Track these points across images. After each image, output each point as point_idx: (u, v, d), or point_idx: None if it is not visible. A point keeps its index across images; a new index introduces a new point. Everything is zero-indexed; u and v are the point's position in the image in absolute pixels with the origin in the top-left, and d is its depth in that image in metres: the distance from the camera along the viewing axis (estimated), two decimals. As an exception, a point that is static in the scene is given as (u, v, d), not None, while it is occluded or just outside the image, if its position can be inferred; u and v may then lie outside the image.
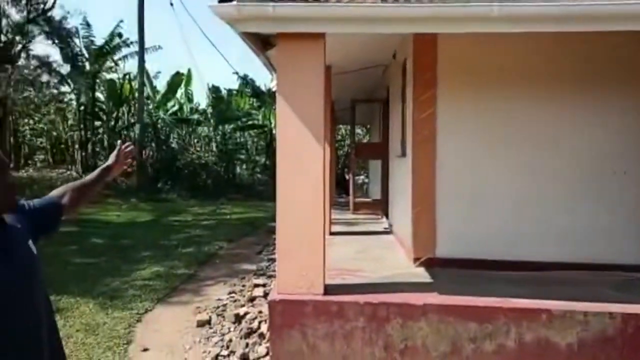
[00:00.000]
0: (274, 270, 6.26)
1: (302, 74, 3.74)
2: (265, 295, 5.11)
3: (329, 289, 3.80)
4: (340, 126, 18.61)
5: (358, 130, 20.56)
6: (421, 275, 4.43)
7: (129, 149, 2.17)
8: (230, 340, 4.21)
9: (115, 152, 2.11)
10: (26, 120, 26.64)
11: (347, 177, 14.08)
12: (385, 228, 7.01)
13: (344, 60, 6.08)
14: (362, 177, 15.70)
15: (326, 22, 3.56)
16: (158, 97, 21.87)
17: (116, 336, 4.47)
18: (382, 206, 7.89)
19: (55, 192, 1.86)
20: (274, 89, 6.32)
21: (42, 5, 18.45)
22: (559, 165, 4.67)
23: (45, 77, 21.61)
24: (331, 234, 6.38)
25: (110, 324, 4.75)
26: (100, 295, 5.59)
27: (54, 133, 26.65)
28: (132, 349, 4.25)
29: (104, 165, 2.08)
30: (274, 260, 6.94)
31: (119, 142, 2.40)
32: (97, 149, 21.31)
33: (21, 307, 1.46)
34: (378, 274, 4.46)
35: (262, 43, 4.16)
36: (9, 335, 1.41)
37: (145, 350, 4.23)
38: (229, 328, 4.52)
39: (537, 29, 3.51)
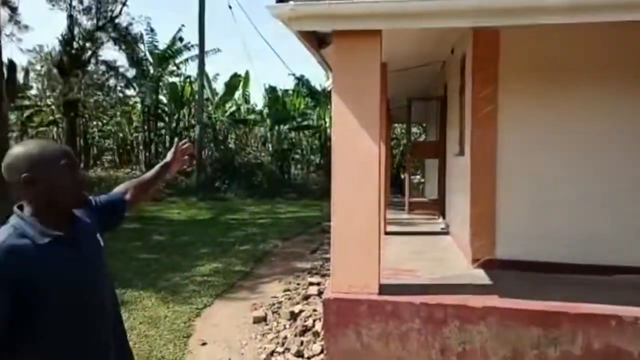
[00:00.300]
0: (328, 269, 6.27)
1: (358, 71, 3.71)
2: (320, 293, 5.12)
3: (383, 289, 3.75)
4: (396, 125, 18.39)
5: (414, 129, 20.23)
6: (480, 277, 4.28)
7: (185, 146, 2.23)
8: (285, 338, 4.25)
9: (172, 150, 2.19)
10: (95, 123, 28.16)
11: (402, 176, 13.88)
12: (442, 228, 6.85)
13: (400, 58, 5.99)
14: (417, 176, 15.44)
15: (382, 19, 3.51)
16: (216, 98, 22.49)
17: (176, 329, 4.62)
18: (438, 206, 7.71)
19: (118, 189, 1.98)
20: (329, 88, 6.32)
21: (110, 13, 19.44)
22: (630, 164, 4.38)
23: (112, 81, 22.81)
24: (386, 233, 6.30)
25: (171, 317, 4.92)
26: (162, 290, 5.80)
27: (120, 135, 28.03)
28: (191, 343, 4.38)
29: (162, 163, 2.16)
30: (328, 259, 6.95)
31: (176, 139, 2.50)
32: (160, 150, 22.19)
33: (89, 296, 1.54)
34: (434, 275, 4.35)
35: (317, 41, 4.18)
36: (78, 322, 1.49)
37: (204, 344, 4.34)
38: (284, 325, 4.57)
39: (607, 18, 3.30)
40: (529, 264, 4.36)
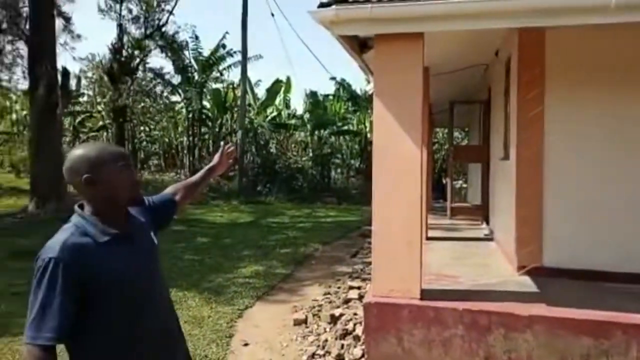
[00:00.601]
0: (369, 274, 6.25)
1: (400, 75, 3.69)
2: (360, 297, 5.10)
3: (425, 294, 3.71)
4: (437, 130, 18.14)
5: (456, 134, 19.88)
6: (526, 284, 4.16)
7: (230, 149, 2.30)
8: (326, 341, 4.26)
9: (218, 153, 2.26)
10: (142, 128, 29.11)
11: (444, 181, 13.66)
12: (485, 234, 6.70)
13: (443, 61, 5.92)
14: (460, 182, 15.16)
15: (425, 21, 3.49)
16: (258, 104, 22.85)
17: (219, 330, 4.70)
18: (482, 211, 7.54)
19: (168, 190, 2.07)
20: (370, 92, 6.31)
21: (157, 22, 20.11)
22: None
23: (159, 88, 23.56)
24: (427, 239, 6.22)
25: (214, 317, 5.02)
26: (205, 290, 5.93)
27: (166, 139, 28.85)
28: (233, 343, 4.45)
29: (208, 166, 2.26)
30: (368, 263, 6.92)
31: (222, 143, 2.60)
32: (203, 154, 22.71)
33: (145, 289, 1.64)
34: (478, 281, 4.26)
35: (359, 46, 4.19)
36: (135, 313, 1.59)
37: (246, 344, 4.41)
38: (325, 328, 4.58)
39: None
40: (577, 272, 4.20)
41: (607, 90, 4.31)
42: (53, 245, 1.50)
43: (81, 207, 1.63)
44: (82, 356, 1.56)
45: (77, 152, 1.62)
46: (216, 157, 2.26)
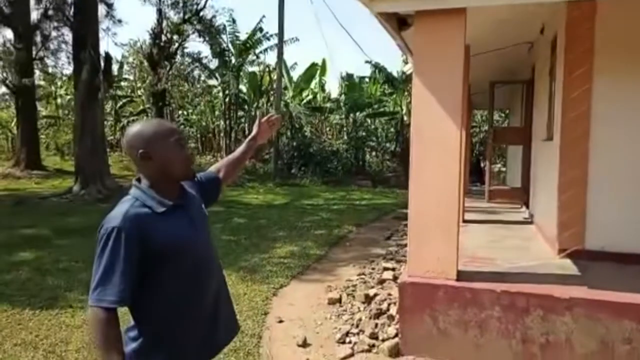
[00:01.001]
0: (403, 256, 6.22)
1: (441, 54, 3.60)
2: (395, 278, 5.10)
3: (462, 276, 3.66)
4: (475, 112, 17.71)
5: (495, 116, 19.39)
6: (567, 267, 4.05)
7: (274, 117, 2.32)
8: (360, 319, 4.28)
9: (257, 122, 2.29)
10: (180, 112, 29.68)
11: (482, 165, 13.37)
12: (524, 218, 6.54)
13: (485, 39, 5.73)
14: (498, 165, 14.81)
15: (468, -5, 3.38)
16: (294, 87, 22.86)
17: (255, 307, 4.79)
18: (521, 195, 7.36)
19: (213, 168, 2.16)
20: (408, 73, 6.21)
21: (195, 7, 20.29)
22: None
23: (197, 72, 23.90)
24: (464, 222, 6.12)
25: (250, 295, 5.12)
26: (241, 269, 6.04)
27: (203, 123, 29.33)
28: (268, 320, 4.53)
29: (250, 136, 2.28)
30: (402, 246, 6.89)
31: (258, 113, 2.65)
32: (240, 137, 22.97)
33: (200, 255, 1.74)
34: (516, 264, 4.18)
35: (398, 23, 4.11)
36: (191, 277, 1.70)
37: (281, 321, 4.48)
38: (359, 307, 4.60)
39: None
40: (621, 255, 4.06)
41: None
42: (115, 216, 1.59)
43: (139, 180, 1.72)
44: (144, 319, 1.67)
45: (134, 128, 1.72)
46: (255, 126, 2.29)
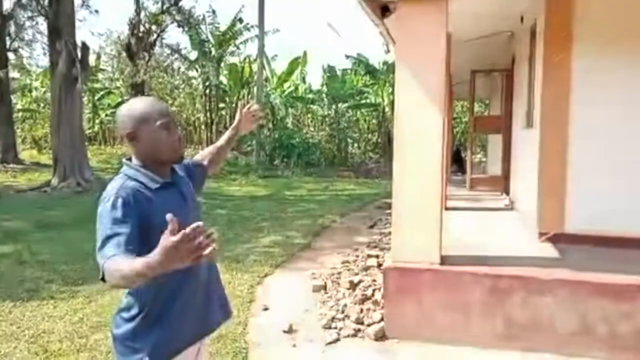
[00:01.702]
0: (387, 244, 6.26)
1: (423, 40, 3.63)
2: (379, 265, 5.14)
3: (445, 260, 3.72)
4: (456, 103, 17.88)
5: (475, 107, 19.62)
6: (547, 251, 4.14)
7: (253, 107, 2.30)
8: (345, 305, 4.31)
9: (237, 114, 2.29)
10: (160, 104, 29.20)
11: (462, 155, 13.53)
12: (505, 205, 6.65)
13: (466, 27, 5.78)
14: (479, 155, 15.00)
15: (450, -20, 3.41)
16: (275, 78, 22.74)
17: (240, 295, 4.79)
18: (502, 182, 7.48)
19: (197, 157, 2.15)
20: (391, 61, 6.22)
21: (174, -4, 19.97)
22: None
23: (176, 64, 23.55)
24: (447, 209, 6.19)
25: (235, 284, 5.10)
26: (225, 259, 6.02)
27: (184, 115, 28.99)
28: (253, 308, 4.53)
29: (232, 126, 2.28)
30: (386, 234, 6.94)
31: (240, 103, 2.63)
32: (221, 129, 22.78)
33: None
34: (498, 248, 4.25)
35: (381, 10, 4.11)
36: None
37: (266, 309, 4.49)
38: (344, 294, 4.62)
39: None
40: (600, 238, 4.16)
41: (638, 52, 4.18)
42: (111, 190, 1.59)
43: (129, 160, 1.71)
44: (138, 297, 1.65)
45: (124, 107, 1.71)
46: (237, 115, 2.28)
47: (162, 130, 1.65)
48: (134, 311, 1.65)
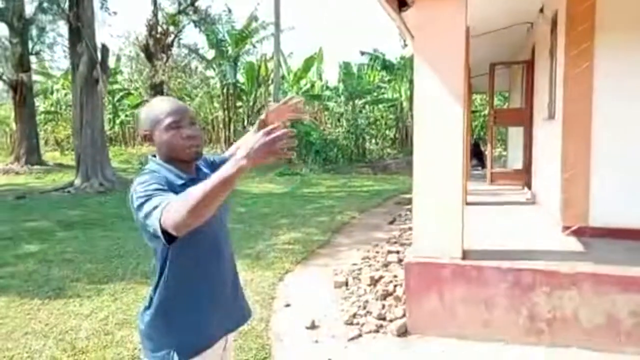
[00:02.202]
0: (407, 239, 6.24)
1: (442, 33, 3.60)
2: (400, 261, 5.12)
3: (467, 255, 3.69)
4: (475, 96, 17.69)
5: (494, 100, 19.38)
6: (571, 244, 4.08)
7: (293, 100, 2.20)
8: (367, 301, 4.31)
9: (268, 109, 2.24)
10: (179, 104, 29.47)
11: (482, 149, 13.37)
12: (527, 199, 6.56)
13: (485, 20, 5.71)
14: (499, 149, 14.81)
15: (468, -27, 3.37)
16: (292, 76, 22.77)
17: (262, 292, 4.82)
18: (523, 176, 7.37)
19: (225, 153, 2.16)
20: (408, 56, 6.19)
21: (190, -3, 20.14)
22: None
23: (194, 64, 23.77)
24: (467, 204, 6.14)
25: (257, 281, 5.14)
26: (246, 257, 6.07)
27: (202, 114, 29.24)
28: (276, 305, 4.56)
29: (259, 119, 2.23)
30: (405, 230, 6.91)
31: (265, 102, 2.60)
32: (239, 128, 22.91)
33: (216, 228, 1.74)
34: (520, 242, 4.20)
35: (398, 4, 4.09)
36: (208, 246, 1.72)
37: (288, 305, 4.51)
38: (365, 290, 4.62)
39: None
40: (625, 231, 4.08)
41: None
42: (141, 179, 1.59)
43: (154, 156, 1.75)
44: (165, 288, 1.67)
45: (144, 108, 1.76)
46: (266, 110, 2.21)
47: (171, 129, 1.65)
48: (160, 306, 1.68)
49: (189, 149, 1.67)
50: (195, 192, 1.32)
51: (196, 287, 1.68)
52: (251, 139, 1.33)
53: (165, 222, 1.37)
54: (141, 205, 1.48)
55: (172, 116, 1.66)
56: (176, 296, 1.67)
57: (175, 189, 1.57)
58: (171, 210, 1.36)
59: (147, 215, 1.45)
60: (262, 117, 2.20)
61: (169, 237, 1.42)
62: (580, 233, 4.24)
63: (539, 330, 3.41)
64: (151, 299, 1.71)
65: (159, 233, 1.40)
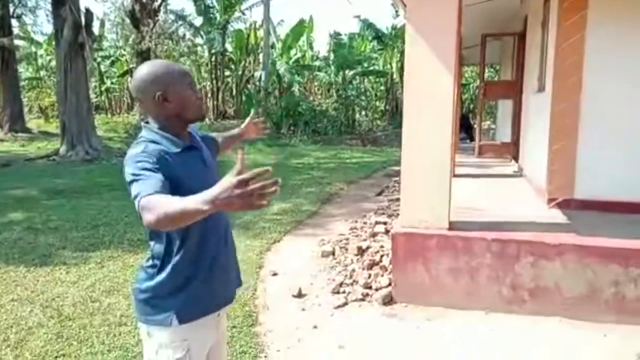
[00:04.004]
0: (395, 210, 6.27)
1: (435, 2, 3.52)
2: (387, 232, 5.16)
3: (453, 226, 3.72)
4: (465, 68, 17.60)
5: (485, 73, 19.32)
6: (556, 216, 4.13)
7: (258, 120, 2.38)
8: (354, 271, 4.35)
9: (244, 124, 2.33)
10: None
11: (471, 122, 13.38)
12: (514, 171, 6.61)
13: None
14: (488, 122, 14.84)
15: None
16: (281, 45, 22.42)
17: (249, 261, 4.84)
18: (511, 149, 7.40)
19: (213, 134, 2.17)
20: (399, 25, 6.09)
21: (177, -40, 19.56)
22: None
23: (181, 31, 23.24)
24: (455, 176, 6.16)
25: (244, 250, 5.15)
26: (235, 227, 6.02)
27: (190, 83, 28.77)
28: (263, 273, 4.59)
29: (239, 128, 2.33)
30: (394, 201, 6.94)
31: (252, 111, 2.71)
32: (227, 98, 22.65)
33: None
34: (506, 213, 4.25)
35: (389, -30, 3.99)
36: (212, 220, 1.63)
37: (275, 274, 4.54)
38: (352, 260, 4.66)
39: None
40: (610, 203, 4.14)
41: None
42: (135, 150, 1.56)
43: (147, 123, 1.70)
44: (167, 248, 1.64)
45: (145, 70, 1.66)
46: (243, 126, 2.32)
47: (189, 89, 1.67)
48: (162, 266, 1.64)
49: (201, 109, 1.74)
50: (162, 207, 1.32)
51: (195, 255, 1.66)
52: (224, 181, 1.23)
53: (141, 214, 1.38)
54: (129, 183, 1.49)
55: (187, 76, 1.69)
56: (175, 263, 1.63)
57: (172, 158, 1.58)
58: (148, 205, 1.36)
59: (134, 198, 1.44)
60: (242, 127, 2.32)
61: None
62: (565, 205, 4.28)
63: (522, 300, 3.47)
64: (150, 266, 1.67)
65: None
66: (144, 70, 1.66)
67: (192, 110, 1.69)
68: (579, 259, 3.31)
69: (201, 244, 1.66)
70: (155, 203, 1.36)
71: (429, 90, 3.59)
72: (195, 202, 1.26)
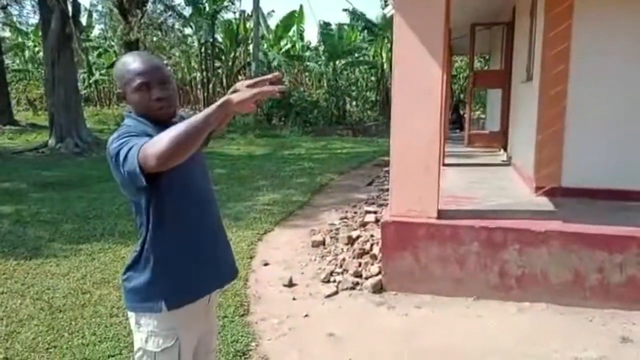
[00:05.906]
0: (385, 200, 6.31)
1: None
2: (377, 221, 5.19)
3: (442, 214, 3.75)
4: (455, 58, 17.62)
5: (475, 63, 19.35)
6: (543, 204, 4.18)
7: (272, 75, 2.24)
8: (344, 260, 4.38)
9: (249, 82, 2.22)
10: (155, 63, 28.69)
11: (461, 112, 13.44)
12: (503, 160, 6.66)
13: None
14: (477, 112, 14.90)
15: None
16: (271, 35, 22.28)
17: (240, 252, 4.85)
18: (500, 139, 7.46)
19: None
20: (389, 14, 6.09)
21: (165, -51, 19.32)
22: None
23: (170, 21, 23.00)
24: (444, 165, 6.20)
25: (235, 241, 5.16)
26: (225, 217, 6.06)
27: (179, 75, 28.57)
28: (254, 263, 4.61)
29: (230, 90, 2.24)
30: (384, 191, 6.99)
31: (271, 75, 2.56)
32: (218, 89, 22.51)
33: (200, 183, 1.74)
34: (494, 203, 4.29)
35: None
36: (194, 203, 1.69)
37: (266, 264, 4.56)
38: (342, 249, 4.70)
39: None
40: (596, 191, 4.20)
41: (640, 3, 4.09)
42: (116, 133, 1.53)
43: (130, 112, 1.69)
44: (151, 243, 1.63)
45: (117, 64, 1.68)
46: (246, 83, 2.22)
47: (140, 91, 1.59)
48: (147, 258, 1.64)
49: (159, 110, 1.61)
50: (178, 125, 1.31)
51: (183, 239, 1.65)
52: (239, 82, 1.38)
53: (145, 157, 1.32)
54: (118, 153, 1.43)
55: (141, 77, 1.58)
56: (163, 248, 1.63)
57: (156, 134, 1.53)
58: (150, 143, 1.33)
59: (125, 159, 1.39)
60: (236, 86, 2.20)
61: (148, 177, 1.38)
62: (552, 193, 4.34)
63: (509, 286, 3.53)
64: (138, 253, 1.66)
65: (138, 171, 1.35)
66: (116, 65, 1.68)
67: (148, 112, 1.62)
68: (564, 245, 3.36)
69: (183, 232, 1.65)
70: (155, 139, 1.33)
71: (417, 79, 3.60)
72: (206, 110, 1.32)
